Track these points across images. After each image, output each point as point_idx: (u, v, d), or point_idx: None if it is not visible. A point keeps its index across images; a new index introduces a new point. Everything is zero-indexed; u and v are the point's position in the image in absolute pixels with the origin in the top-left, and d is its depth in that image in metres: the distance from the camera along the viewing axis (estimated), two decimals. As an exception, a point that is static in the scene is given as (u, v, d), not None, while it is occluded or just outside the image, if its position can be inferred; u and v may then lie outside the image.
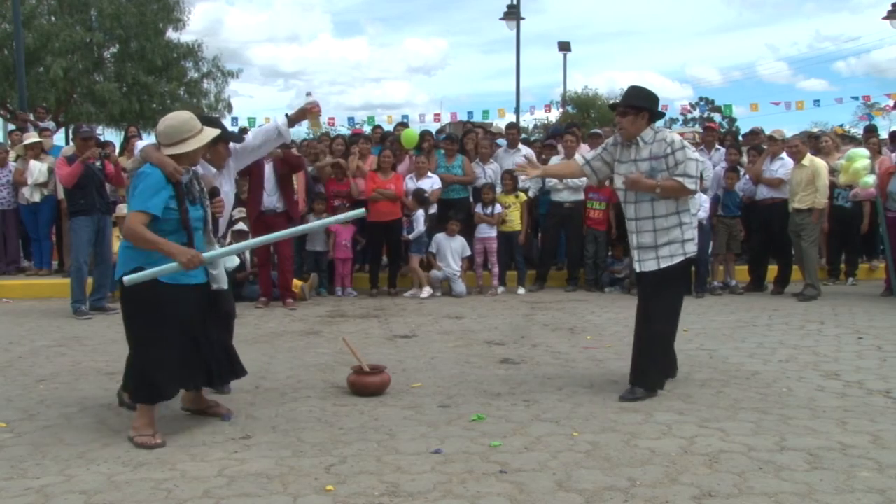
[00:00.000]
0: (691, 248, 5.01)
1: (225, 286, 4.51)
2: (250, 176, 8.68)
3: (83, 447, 4.06)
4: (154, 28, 25.37)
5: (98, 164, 8.60)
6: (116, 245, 9.38)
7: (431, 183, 10.07)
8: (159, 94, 26.17)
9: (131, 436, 4.12)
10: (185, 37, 26.90)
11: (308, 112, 5.07)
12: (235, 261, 4.73)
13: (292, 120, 5.10)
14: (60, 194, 10.16)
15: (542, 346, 6.57)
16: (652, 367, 4.96)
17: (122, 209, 9.49)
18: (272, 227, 8.53)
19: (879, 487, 3.42)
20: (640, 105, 4.98)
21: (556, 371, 5.68)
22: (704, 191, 9.64)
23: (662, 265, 4.96)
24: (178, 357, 4.19)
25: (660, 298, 5.01)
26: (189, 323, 4.23)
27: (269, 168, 8.75)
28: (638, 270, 5.08)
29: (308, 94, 5.13)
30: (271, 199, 8.82)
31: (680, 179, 4.88)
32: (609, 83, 71.12)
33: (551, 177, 5.24)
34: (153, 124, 23.71)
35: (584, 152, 5.19)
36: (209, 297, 4.41)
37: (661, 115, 5.19)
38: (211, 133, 4.39)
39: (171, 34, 26.51)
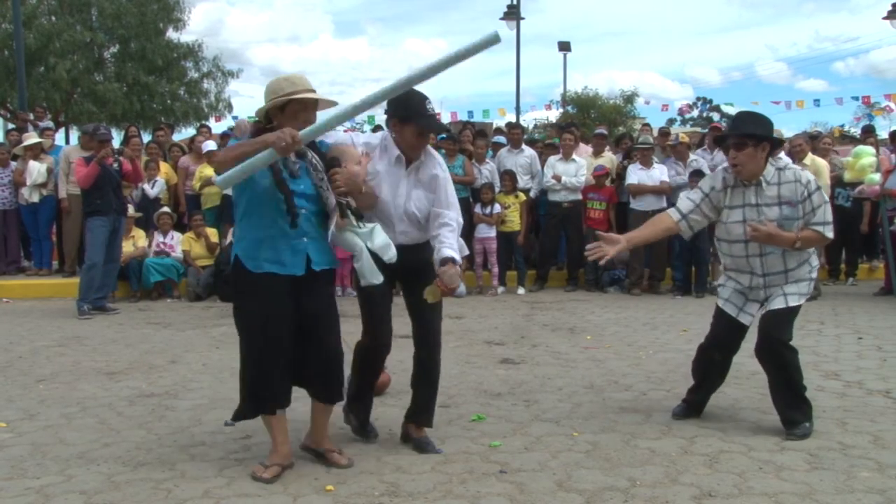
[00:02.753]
0: (809, 288, 4.32)
1: (376, 281, 3.74)
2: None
3: (83, 447, 4.06)
4: (154, 28, 25.38)
5: (115, 164, 8.63)
6: (127, 246, 9.41)
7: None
8: (160, 93, 26.18)
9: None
10: (185, 37, 26.94)
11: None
12: (391, 252, 3.71)
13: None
14: (62, 194, 10.17)
15: (542, 346, 6.57)
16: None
17: (129, 209, 9.52)
18: None
19: (879, 488, 3.42)
20: (760, 134, 4.11)
21: (556, 371, 5.68)
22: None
23: (791, 303, 4.19)
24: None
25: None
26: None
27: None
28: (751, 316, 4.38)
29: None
30: None
31: (820, 230, 4.11)
32: (609, 83, 71.20)
33: (642, 241, 4.56)
34: (153, 124, 23.83)
35: (681, 205, 4.42)
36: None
37: (780, 143, 4.29)
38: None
39: (172, 34, 26.55)
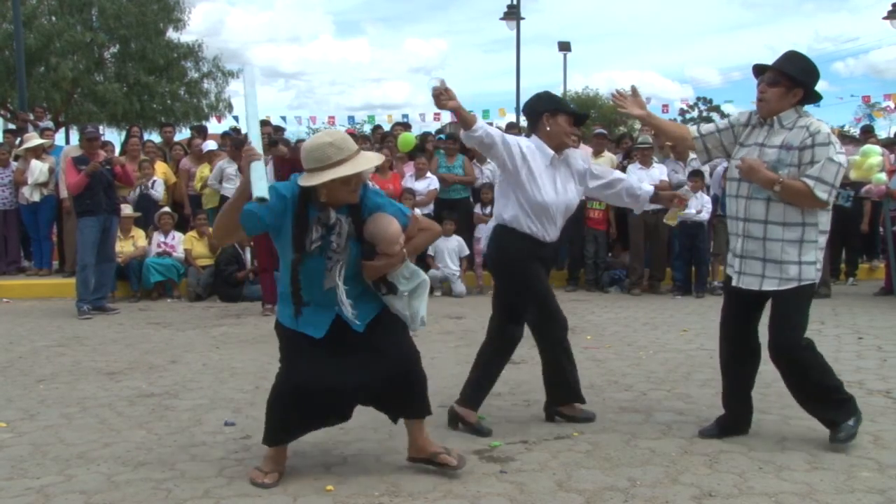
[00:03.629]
0: (810, 274, 3.86)
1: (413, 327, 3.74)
2: None
3: (83, 447, 4.06)
4: (155, 28, 25.39)
5: (106, 165, 8.61)
6: (121, 246, 9.41)
7: (428, 183, 10.08)
8: (160, 94, 26.18)
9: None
10: (185, 37, 26.94)
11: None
12: (419, 322, 3.72)
13: None
14: (62, 193, 10.17)
15: (542, 346, 6.56)
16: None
17: (122, 209, 9.52)
18: None
19: (880, 487, 3.42)
20: (798, 78, 3.85)
21: (556, 371, 5.66)
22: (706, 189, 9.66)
23: (765, 287, 3.90)
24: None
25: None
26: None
27: (269, 169, 8.58)
28: (734, 284, 4.03)
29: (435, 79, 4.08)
30: None
31: (809, 183, 3.74)
32: (609, 83, 71.12)
33: (656, 127, 4.27)
34: (154, 124, 23.85)
35: (702, 126, 4.30)
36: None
37: (818, 97, 4.00)
38: (369, 159, 3.58)
39: (172, 34, 26.55)
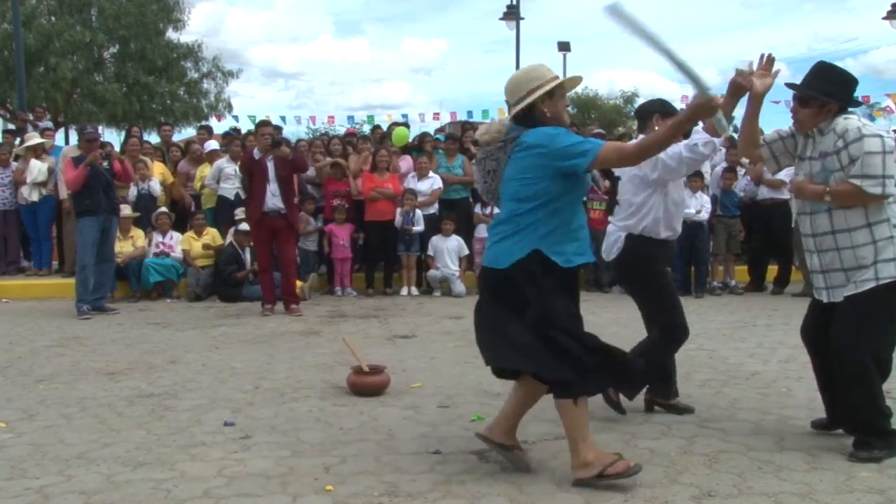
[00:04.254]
0: (888, 271, 3.72)
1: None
2: (252, 176, 8.54)
3: (83, 447, 4.06)
4: (154, 28, 25.38)
5: (105, 163, 8.61)
6: (120, 246, 9.42)
7: (432, 183, 10.09)
8: (159, 94, 26.18)
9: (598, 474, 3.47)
10: (185, 37, 26.93)
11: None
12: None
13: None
14: (62, 194, 10.17)
15: (541, 346, 6.56)
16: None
17: (122, 209, 9.52)
18: (274, 230, 8.50)
19: (879, 488, 3.42)
20: (830, 93, 3.79)
21: (555, 371, 5.66)
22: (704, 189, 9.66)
23: (846, 293, 3.79)
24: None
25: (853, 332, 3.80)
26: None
27: (270, 168, 8.49)
28: (825, 301, 3.91)
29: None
30: (275, 199, 8.42)
31: (856, 183, 3.65)
32: (608, 83, 71.16)
33: (751, 116, 3.99)
34: (154, 124, 23.82)
35: (765, 135, 4.18)
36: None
37: (857, 104, 3.99)
38: (568, 81, 3.76)
39: (171, 34, 26.54)
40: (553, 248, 3.48)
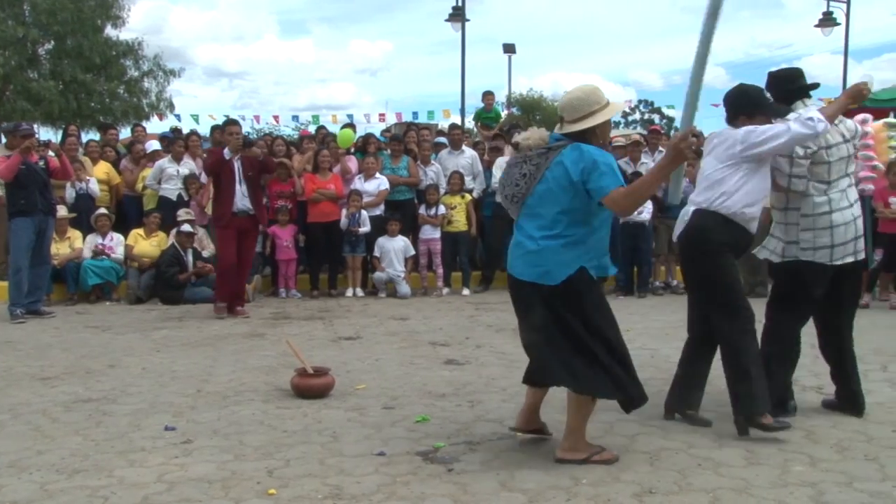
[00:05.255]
0: (790, 252, 4.40)
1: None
2: (219, 176, 8.34)
3: (14, 455, 3.94)
4: (92, 25, 24.74)
5: (41, 162, 8.35)
6: (56, 248, 9.17)
7: (378, 184, 10.06)
8: (98, 92, 25.54)
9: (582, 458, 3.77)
10: (125, 34, 26.32)
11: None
12: None
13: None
14: (-2, 192, 9.85)
15: (486, 347, 6.60)
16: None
17: (58, 210, 9.28)
18: (242, 230, 8.38)
19: (811, 481, 3.52)
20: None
21: (500, 371, 5.71)
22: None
23: (761, 255, 4.56)
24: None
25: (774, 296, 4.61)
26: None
27: (238, 169, 8.30)
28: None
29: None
30: (245, 200, 8.31)
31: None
32: (554, 85, 71.83)
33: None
34: (91, 123, 23.23)
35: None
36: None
37: (803, 91, 4.56)
38: (617, 107, 4.01)
39: (111, 31, 25.92)
40: (593, 261, 3.72)
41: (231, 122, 8.77)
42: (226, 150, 8.33)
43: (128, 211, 10.54)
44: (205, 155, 9.90)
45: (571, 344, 3.66)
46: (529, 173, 3.73)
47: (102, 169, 10.41)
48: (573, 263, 3.64)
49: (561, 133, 3.78)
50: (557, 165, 3.66)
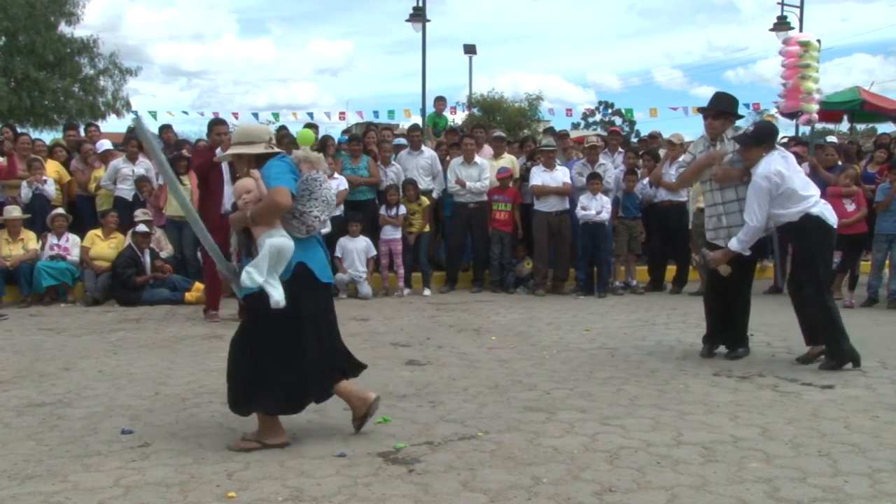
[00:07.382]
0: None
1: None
2: (207, 179, 8.09)
3: (-33, 461, 3.85)
4: (45, 21, 24.25)
5: None
6: (9, 249, 8.97)
7: (338, 184, 9.98)
8: (52, 90, 25.03)
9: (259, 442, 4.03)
10: (79, 31, 25.84)
11: None
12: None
13: None
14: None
15: (447, 348, 6.61)
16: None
17: (10, 210, 9.09)
18: (230, 232, 8.21)
19: (767, 477, 3.58)
20: (730, 111, 6.05)
21: (461, 372, 5.72)
22: (606, 192, 9.90)
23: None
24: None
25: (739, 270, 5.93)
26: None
27: (226, 170, 7.96)
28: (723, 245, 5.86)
29: None
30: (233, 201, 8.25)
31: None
32: (514, 86, 72.25)
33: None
34: (45, 121, 22.74)
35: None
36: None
37: (739, 116, 6.25)
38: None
39: (65, 28, 25.43)
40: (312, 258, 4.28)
41: (218, 122, 8.54)
42: (218, 151, 8.20)
43: (81, 211, 10.36)
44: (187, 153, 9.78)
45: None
46: None
47: (52, 167, 10.20)
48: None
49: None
50: None
